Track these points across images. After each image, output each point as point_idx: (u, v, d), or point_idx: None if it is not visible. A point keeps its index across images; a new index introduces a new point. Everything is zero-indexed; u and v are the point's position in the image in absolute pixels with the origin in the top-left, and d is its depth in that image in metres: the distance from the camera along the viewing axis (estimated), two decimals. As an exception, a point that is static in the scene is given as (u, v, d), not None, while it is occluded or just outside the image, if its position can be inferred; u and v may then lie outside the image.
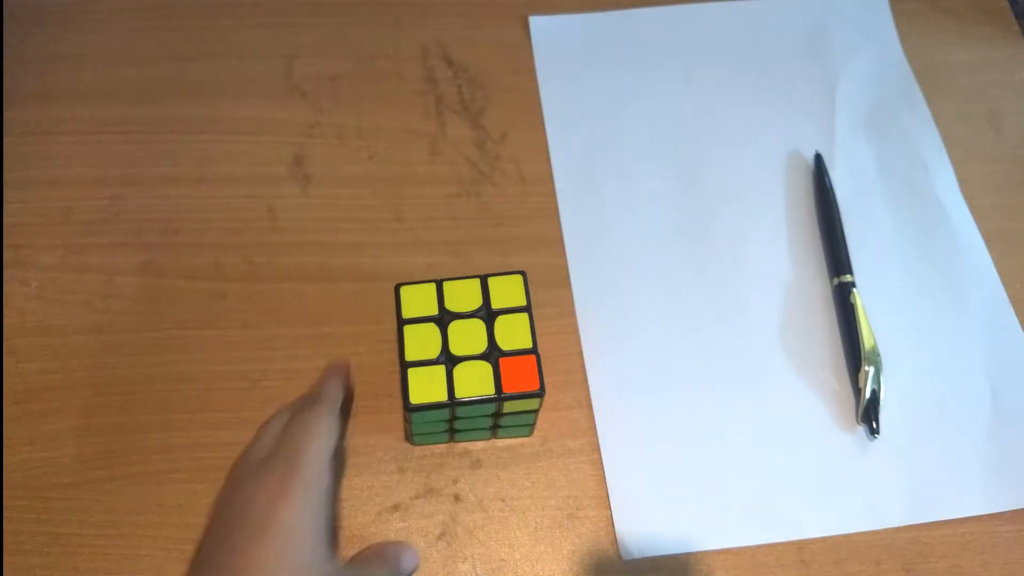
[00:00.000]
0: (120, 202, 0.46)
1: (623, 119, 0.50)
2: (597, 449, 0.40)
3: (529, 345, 0.35)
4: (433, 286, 0.37)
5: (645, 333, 0.43)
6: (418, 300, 0.36)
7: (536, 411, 0.37)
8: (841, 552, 0.38)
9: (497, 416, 0.37)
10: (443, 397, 0.34)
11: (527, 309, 0.36)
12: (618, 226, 0.46)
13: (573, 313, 0.44)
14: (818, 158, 0.48)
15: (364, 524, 0.38)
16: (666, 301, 0.44)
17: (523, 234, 0.46)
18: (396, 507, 0.38)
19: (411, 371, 0.35)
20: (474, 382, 0.34)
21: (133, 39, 0.51)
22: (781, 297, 0.44)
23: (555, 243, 0.46)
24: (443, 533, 0.38)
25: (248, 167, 0.47)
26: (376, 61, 0.51)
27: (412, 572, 0.36)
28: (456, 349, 0.35)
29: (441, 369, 0.35)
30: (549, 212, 0.47)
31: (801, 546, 0.38)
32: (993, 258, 0.46)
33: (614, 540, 0.38)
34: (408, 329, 0.36)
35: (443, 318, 0.36)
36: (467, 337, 0.35)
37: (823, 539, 0.39)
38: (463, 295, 0.36)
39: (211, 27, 0.52)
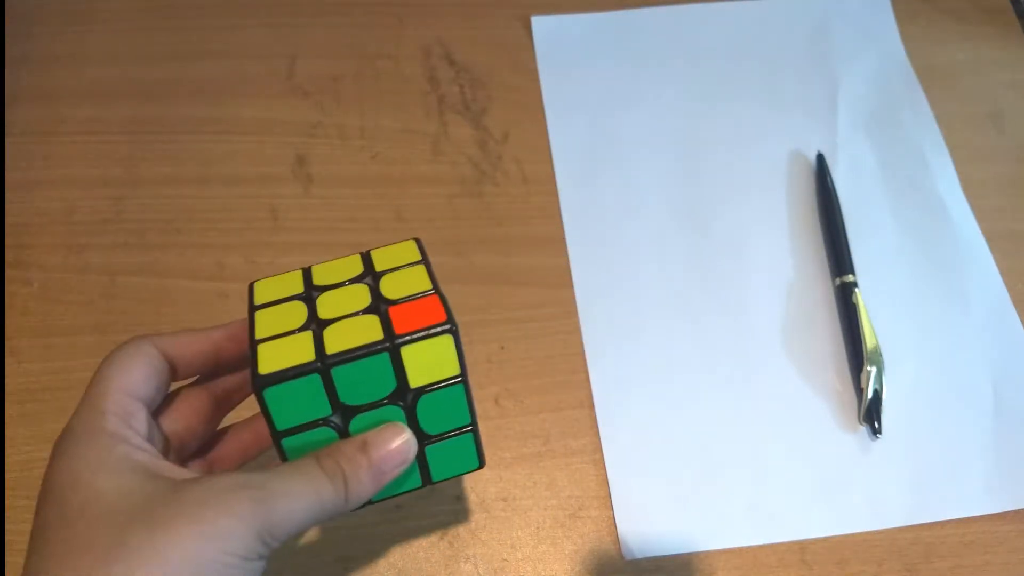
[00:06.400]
0: (122, 202, 0.46)
1: (625, 119, 0.50)
2: (599, 449, 0.40)
3: (428, 287, 0.27)
4: (299, 274, 0.29)
5: (647, 333, 0.43)
6: (277, 289, 0.28)
7: (462, 381, 0.26)
8: (843, 552, 0.38)
9: (407, 400, 0.26)
10: (309, 356, 0.24)
11: (423, 262, 0.28)
12: (620, 226, 0.46)
13: (575, 313, 0.43)
14: (820, 158, 0.48)
15: (366, 524, 0.38)
16: (668, 301, 0.44)
17: (525, 234, 0.46)
18: (399, 507, 0.38)
19: (262, 346, 0.25)
20: (354, 333, 0.25)
21: (135, 39, 0.51)
22: (783, 297, 0.44)
23: (557, 243, 0.46)
24: (445, 533, 0.38)
25: (250, 167, 0.47)
26: (378, 61, 0.51)
27: (356, 500, 0.25)
28: (327, 313, 0.26)
29: (306, 335, 0.25)
30: (551, 212, 0.47)
31: (803, 546, 0.38)
32: (995, 258, 0.46)
33: (616, 540, 0.38)
34: (260, 313, 0.27)
35: (310, 295, 0.27)
36: (342, 301, 0.27)
37: (825, 539, 0.38)
38: (338, 272, 0.28)
39: (213, 27, 0.52)
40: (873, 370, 0.41)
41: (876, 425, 0.40)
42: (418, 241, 0.30)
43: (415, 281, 0.27)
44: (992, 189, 0.49)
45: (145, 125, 0.48)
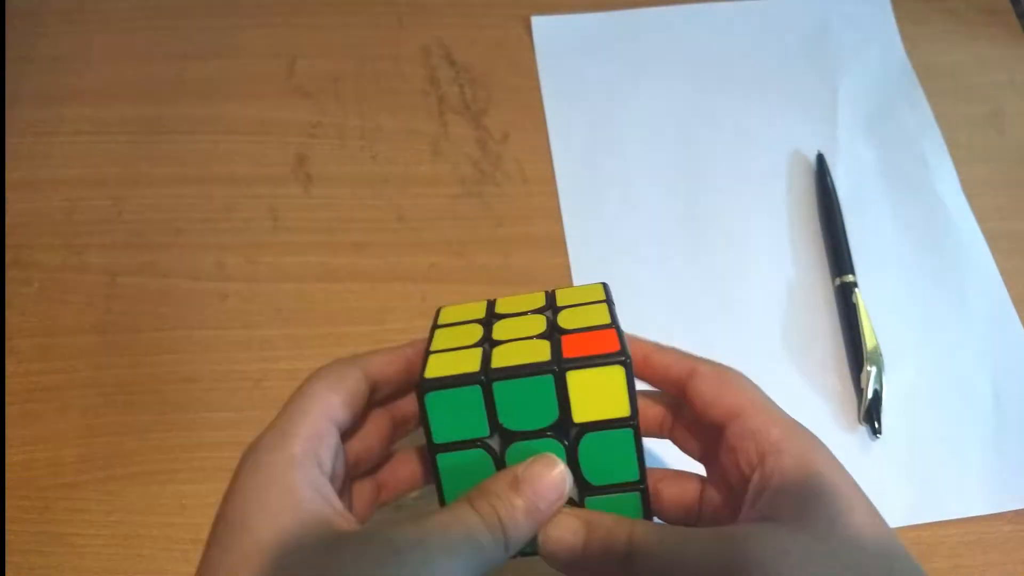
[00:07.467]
0: (122, 202, 0.46)
1: (625, 119, 0.50)
2: (599, 449, 0.40)
3: (606, 321, 0.26)
4: (483, 303, 0.29)
5: (647, 333, 0.43)
6: (460, 314, 0.29)
7: (632, 425, 0.25)
8: (843, 552, 0.38)
9: (570, 435, 0.25)
10: (474, 367, 0.24)
11: (607, 302, 0.28)
12: (620, 226, 0.46)
13: (575, 313, 0.43)
14: (820, 158, 0.48)
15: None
16: (668, 301, 0.44)
17: (525, 234, 0.46)
18: (399, 507, 0.38)
19: (433, 356, 0.26)
20: (521, 352, 0.24)
21: (135, 39, 0.51)
22: (783, 297, 0.44)
23: (557, 243, 0.45)
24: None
25: (250, 167, 0.47)
26: (378, 61, 0.51)
27: (519, 539, 0.23)
28: (500, 335, 0.26)
29: (475, 351, 0.25)
30: (551, 212, 0.46)
31: (803, 546, 0.38)
32: (995, 258, 0.46)
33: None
34: (440, 331, 0.28)
35: (489, 321, 0.28)
36: (518, 327, 0.26)
37: (825, 539, 0.38)
38: (521, 304, 0.29)
39: (213, 27, 0.52)
40: (873, 370, 0.41)
41: (876, 425, 0.40)
42: (605, 286, 0.29)
43: (594, 316, 0.26)
44: (992, 188, 0.48)
45: (145, 125, 0.48)
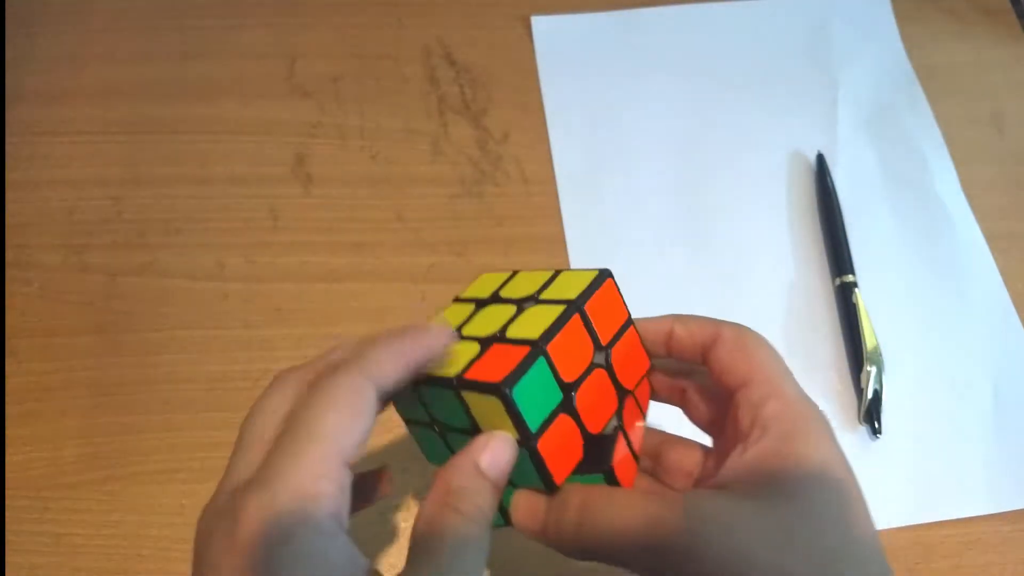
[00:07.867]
0: (122, 202, 0.46)
1: (625, 119, 0.50)
2: (599, 449, 0.40)
3: (534, 336, 0.25)
4: (505, 276, 0.31)
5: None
6: (484, 286, 0.30)
7: (523, 445, 0.25)
8: (843, 552, 0.38)
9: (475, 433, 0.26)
10: None
11: (570, 303, 0.26)
12: (620, 226, 0.46)
13: (575, 313, 0.43)
14: (820, 158, 0.48)
15: (366, 524, 0.38)
16: (668, 301, 0.44)
17: (525, 234, 0.46)
18: (398, 507, 0.38)
19: None
20: (457, 357, 0.26)
21: (135, 39, 0.51)
22: (783, 297, 0.44)
23: (557, 243, 0.46)
24: (445, 533, 0.38)
25: (250, 167, 0.47)
26: (378, 61, 0.51)
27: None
28: (471, 327, 0.28)
29: None
30: (551, 212, 0.46)
31: (803, 546, 0.38)
32: (995, 258, 0.46)
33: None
34: (452, 307, 0.30)
35: (488, 302, 0.29)
36: (490, 319, 0.28)
37: (825, 539, 0.38)
38: (526, 284, 0.29)
39: (213, 27, 0.52)
40: (873, 370, 0.41)
41: (876, 425, 0.40)
42: (600, 275, 0.28)
43: (537, 322, 0.26)
44: (992, 189, 0.48)
45: (145, 125, 0.48)
